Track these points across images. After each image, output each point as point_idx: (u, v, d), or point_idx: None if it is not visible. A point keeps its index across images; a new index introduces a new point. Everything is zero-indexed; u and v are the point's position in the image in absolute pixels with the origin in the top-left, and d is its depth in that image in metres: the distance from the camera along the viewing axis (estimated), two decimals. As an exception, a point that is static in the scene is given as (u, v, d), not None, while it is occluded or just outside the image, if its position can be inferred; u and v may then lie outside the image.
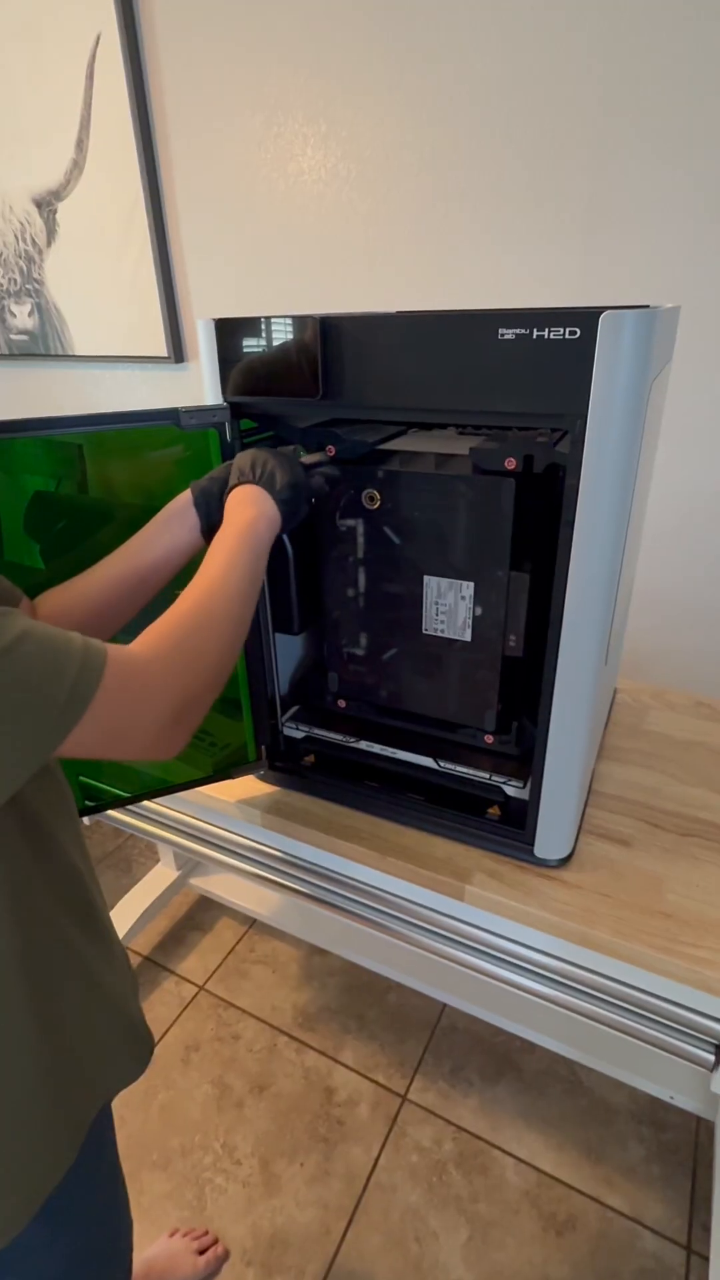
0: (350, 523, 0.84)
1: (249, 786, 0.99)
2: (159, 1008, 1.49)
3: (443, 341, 0.63)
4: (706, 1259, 1.07)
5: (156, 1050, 1.40)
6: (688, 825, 0.90)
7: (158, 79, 1.50)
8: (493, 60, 1.18)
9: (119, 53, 1.46)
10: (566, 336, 0.57)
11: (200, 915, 1.71)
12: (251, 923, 1.67)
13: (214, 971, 1.56)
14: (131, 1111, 1.30)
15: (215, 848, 1.07)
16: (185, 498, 0.70)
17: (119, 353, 1.82)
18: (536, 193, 1.23)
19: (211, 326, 0.73)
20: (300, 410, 0.78)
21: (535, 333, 0.58)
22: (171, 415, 0.73)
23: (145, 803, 1.09)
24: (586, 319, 0.56)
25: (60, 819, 0.61)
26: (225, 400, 0.76)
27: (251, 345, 0.72)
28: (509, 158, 1.23)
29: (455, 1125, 1.26)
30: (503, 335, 0.60)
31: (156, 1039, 1.43)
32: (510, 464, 0.71)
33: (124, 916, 1.58)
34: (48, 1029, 0.57)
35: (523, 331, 0.59)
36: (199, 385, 0.78)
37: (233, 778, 0.97)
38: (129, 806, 1.09)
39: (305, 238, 1.48)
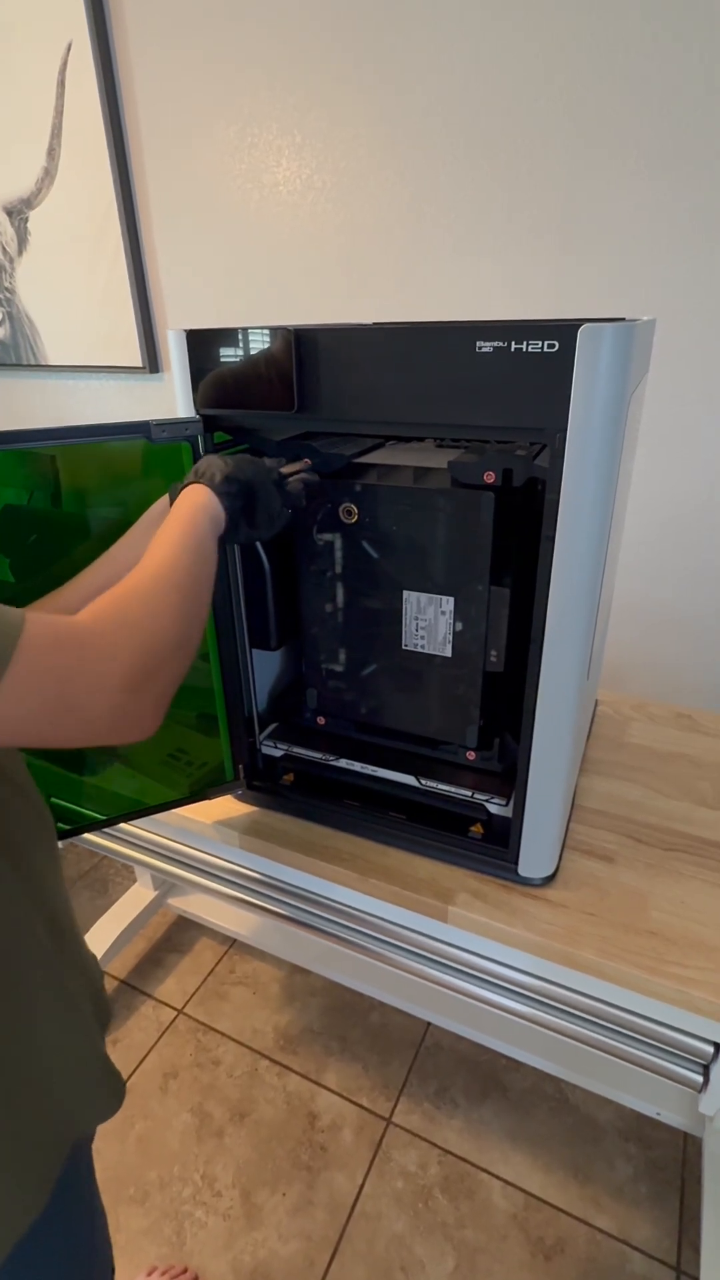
0: (327, 537, 0.82)
1: (227, 807, 0.97)
2: (136, 1033, 1.45)
3: (420, 354, 0.62)
4: None
5: (134, 1078, 1.36)
6: (671, 840, 0.89)
7: (130, 88, 1.48)
8: (466, 76, 1.19)
9: (91, 61, 1.45)
10: (545, 349, 0.56)
11: (179, 936, 1.67)
12: (231, 943, 1.64)
13: (193, 994, 1.52)
14: (107, 1143, 1.25)
15: (193, 870, 1.04)
16: (164, 503, 0.68)
17: (92, 363, 1.79)
18: (511, 206, 1.23)
19: (183, 338, 0.71)
20: (275, 423, 0.77)
21: (514, 345, 0.57)
22: (142, 428, 0.71)
23: (120, 825, 1.06)
24: (565, 331, 0.55)
25: (36, 839, 0.58)
26: (198, 413, 0.74)
27: (224, 357, 0.70)
28: (483, 172, 1.24)
29: (441, 1148, 1.23)
30: (481, 348, 0.59)
31: (134, 1066, 1.39)
32: (489, 477, 0.70)
33: (100, 939, 1.54)
34: (23, 1057, 0.54)
35: (501, 344, 0.58)
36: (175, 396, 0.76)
37: (210, 798, 0.94)
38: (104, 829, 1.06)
39: (281, 248, 1.47)
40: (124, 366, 1.75)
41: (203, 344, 0.71)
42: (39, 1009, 0.56)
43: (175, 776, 0.95)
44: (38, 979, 0.56)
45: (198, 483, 0.64)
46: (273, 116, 1.38)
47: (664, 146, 1.11)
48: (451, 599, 0.78)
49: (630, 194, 1.15)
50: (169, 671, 0.51)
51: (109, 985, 1.55)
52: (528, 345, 0.57)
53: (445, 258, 1.32)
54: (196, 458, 0.76)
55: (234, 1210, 1.16)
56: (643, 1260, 1.08)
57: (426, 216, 1.31)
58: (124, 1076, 1.34)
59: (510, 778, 0.87)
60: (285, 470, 0.70)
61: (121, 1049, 1.42)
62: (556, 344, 0.56)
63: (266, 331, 0.67)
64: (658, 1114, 1.15)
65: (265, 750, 0.97)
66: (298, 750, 0.95)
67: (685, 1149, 1.22)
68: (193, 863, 1.03)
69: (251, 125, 1.40)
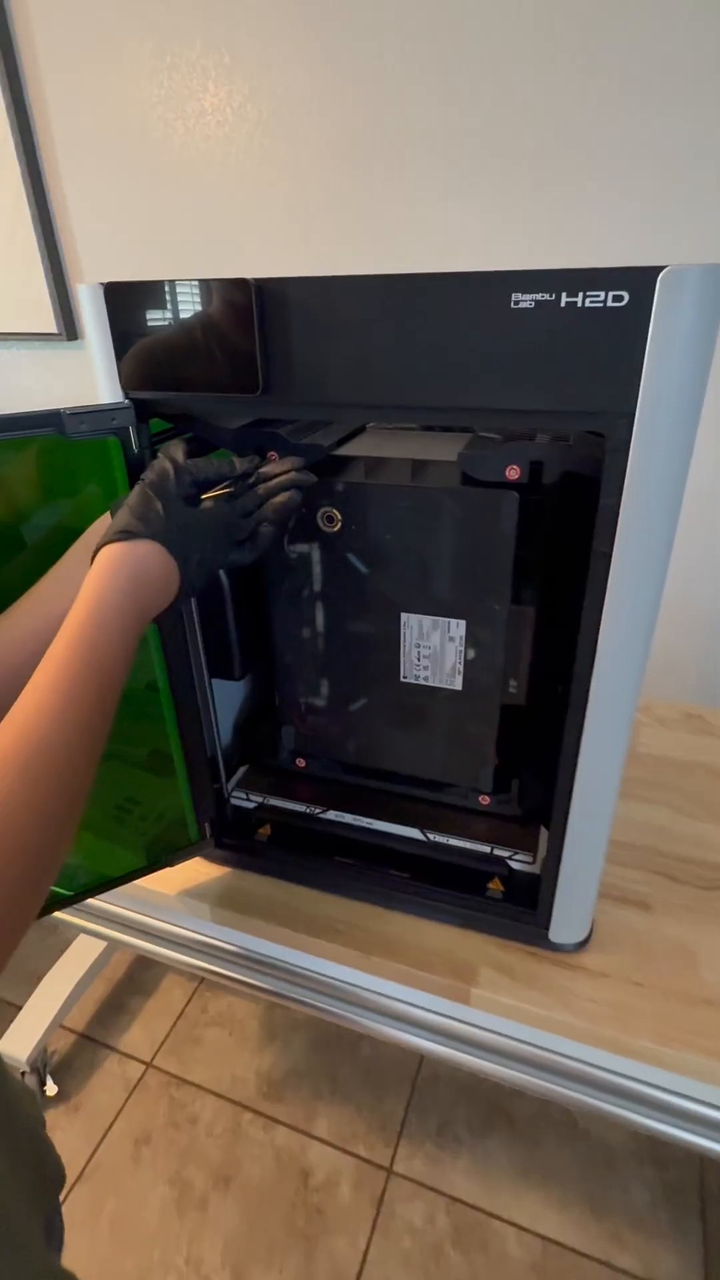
0: (303, 549, 0.66)
1: (193, 870, 0.81)
2: (100, 1094, 1.29)
3: (432, 312, 0.46)
4: (729, 1316, 0.99)
5: (100, 1150, 1.21)
6: (709, 876, 0.78)
7: (18, -8, 1.23)
8: (428, -25, 1.00)
9: (-35, -45, 1.18)
10: (610, 303, 0.41)
11: (141, 975, 1.51)
12: (201, 978, 1.49)
13: (162, 1042, 1.38)
14: (76, 1234, 1.10)
15: (160, 942, 0.88)
16: (101, 526, 0.51)
17: (-3, 331, 1.54)
18: (478, 138, 1.06)
19: (100, 294, 0.53)
20: (231, 408, 0.60)
21: (565, 299, 0.42)
22: (52, 420, 0.52)
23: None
24: (639, 278, 0.40)
25: None
26: (126, 396, 0.56)
27: (159, 320, 0.52)
28: (445, 98, 1.05)
29: (448, 1196, 1.14)
30: (518, 302, 0.43)
31: (100, 1134, 1.24)
32: (512, 473, 0.55)
33: (54, 990, 1.36)
34: None
35: (547, 297, 0.42)
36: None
37: (174, 864, 0.78)
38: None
39: (212, 190, 1.26)
40: (36, 333, 1.51)
41: (129, 303, 0.53)
42: None
43: (125, 834, 0.79)
44: None
45: (151, 539, 0.47)
46: (195, 31, 1.15)
47: (651, 67, 0.95)
48: (463, 622, 0.63)
49: (614, 126, 0.99)
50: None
51: (65, 1041, 1.38)
52: (584, 298, 0.42)
53: (401, 198, 1.14)
54: (129, 455, 0.58)
55: (225, 1295, 1.04)
56: (672, 1301, 1.01)
57: (380, 150, 1.12)
58: (90, 1148, 1.20)
59: (530, 823, 0.74)
60: (267, 471, 0.54)
61: (84, 1115, 1.26)
62: (625, 295, 0.41)
63: (216, 286, 0.49)
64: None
65: (235, 801, 0.81)
66: (275, 801, 0.80)
67: (703, 1169, 1.16)
68: (157, 934, 0.87)
69: (171, 41, 1.17)
